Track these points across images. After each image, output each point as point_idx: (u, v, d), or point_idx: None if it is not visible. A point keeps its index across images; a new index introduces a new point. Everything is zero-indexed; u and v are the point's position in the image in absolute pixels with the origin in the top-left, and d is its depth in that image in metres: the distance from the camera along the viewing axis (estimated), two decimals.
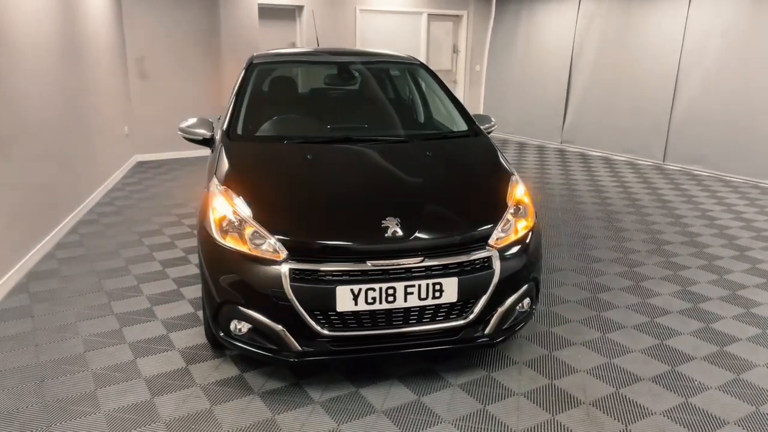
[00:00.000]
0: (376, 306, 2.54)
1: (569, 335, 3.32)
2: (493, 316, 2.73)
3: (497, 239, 2.74)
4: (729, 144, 7.41)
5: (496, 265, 2.67)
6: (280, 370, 2.91)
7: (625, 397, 2.75)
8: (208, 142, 3.51)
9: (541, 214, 5.61)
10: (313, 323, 2.53)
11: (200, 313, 3.48)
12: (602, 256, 4.58)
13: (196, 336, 3.24)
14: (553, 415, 2.61)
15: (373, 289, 2.51)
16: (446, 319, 2.66)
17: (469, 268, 2.64)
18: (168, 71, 7.92)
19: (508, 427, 2.53)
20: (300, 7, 8.98)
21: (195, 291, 3.79)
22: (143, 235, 4.94)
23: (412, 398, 2.72)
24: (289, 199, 2.84)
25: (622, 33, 8.49)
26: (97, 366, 2.95)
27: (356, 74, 4.24)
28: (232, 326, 2.66)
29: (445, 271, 2.61)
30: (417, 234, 2.62)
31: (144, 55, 7.73)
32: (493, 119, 3.95)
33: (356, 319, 2.56)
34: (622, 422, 2.57)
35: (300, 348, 2.57)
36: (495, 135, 6.92)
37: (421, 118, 4.17)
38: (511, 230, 2.83)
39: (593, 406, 2.68)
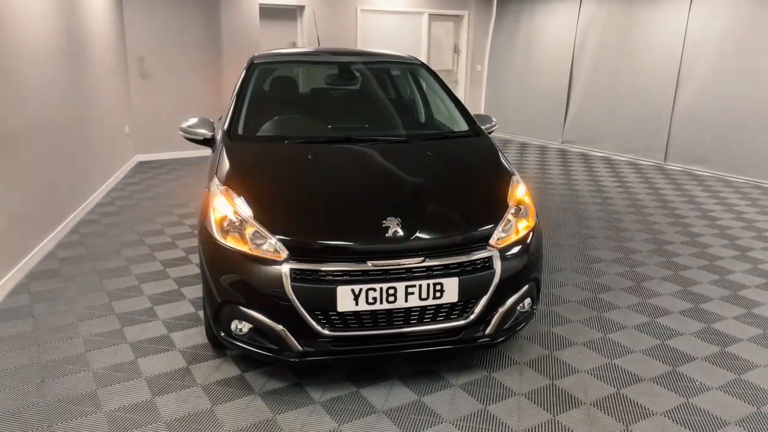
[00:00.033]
0: (377, 306, 2.53)
1: (570, 335, 3.32)
2: (493, 316, 2.73)
3: (498, 239, 2.74)
4: (730, 144, 7.41)
5: (497, 265, 2.67)
6: (280, 370, 2.91)
7: (626, 397, 2.75)
8: (209, 142, 3.51)
9: (542, 214, 5.61)
10: (313, 323, 2.53)
11: (201, 313, 3.48)
12: (603, 256, 4.58)
13: (197, 336, 3.24)
14: (554, 416, 2.61)
15: (374, 289, 2.51)
16: (447, 319, 2.66)
17: (469, 268, 2.64)
18: (169, 71, 7.92)
19: (509, 427, 2.53)
20: (301, 7, 8.98)
21: (196, 291, 3.79)
22: (144, 234, 4.94)
23: (412, 398, 2.72)
24: (290, 199, 2.84)
25: (623, 33, 8.49)
26: (98, 366, 2.95)
27: (357, 74, 4.24)
28: (232, 326, 2.66)
29: (446, 271, 2.60)
30: (418, 234, 2.62)
31: (144, 55, 7.74)
32: (494, 119, 3.95)
33: (357, 319, 2.56)
34: (623, 423, 2.56)
35: (301, 348, 2.57)
36: (496, 135, 6.94)
37: (422, 118, 4.17)
38: (511, 230, 2.82)
39: (594, 406, 2.68)
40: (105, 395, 2.70)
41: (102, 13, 6.48)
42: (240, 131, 3.43)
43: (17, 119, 4.03)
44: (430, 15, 10.23)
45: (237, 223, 2.67)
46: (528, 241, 2.86)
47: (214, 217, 2.74)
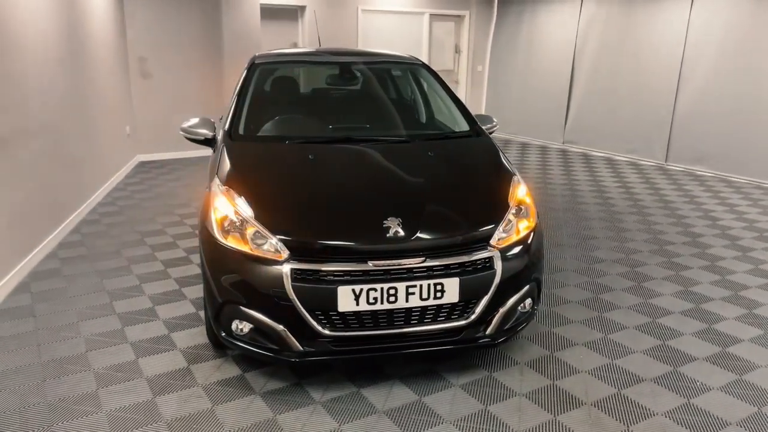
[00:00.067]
0: (378, 306, 2.53)
1: (571, 336, 3.32)
2: (494, 316, 2.73)
3: (499, 239, 2.74)
4: (731, 144, 7.40)
5: (498, 265, 2.67)
6: (281, 370, 2.91)
7: (627, 397, 2.75)
8: (209, 142, 3.51)
9: (542, 215, 5.61)
10: (314, 323, 2.53)
11: (202, 313, 3.48)
12: (604, 256, 4.58)
13: (198, 336, 3.24)
14: (554, 416, 2.61)
15: (375, 290, 2.51)
16: (448, 319, 2.66)
17: (470, 269, 2.64)
18: (169, 71, 7.92)
19: (509, 427, 2.53)
20: (302, 7, 8.98)
21: (197, 291, 3.79)
22: (145, 234, 4.94)
23: (413, 398, 2.72)
24: (291, 199, 2.84)
25: (624, 34, 8.48)
26: (99, 366, 2.95)
27: (358, 74, 4.24)
28: (233, 326, 2.66)
29: (447, 272, 2.60)
30: (418, 234, 2.62)
31: (145, 55, 7.74)
32: (494, 119, 3.95)
33: (358, 319, 2.56)
34: (624, 423, 2.56)
35: (301, 348, 2.57)
36: (497, 135, 6.92)
37: (423, 119, 4.17)
38: (512, 230, 2.82)
39: (595, 406, 2.68)
40: (106, 395, 2.70)
41: (103, 12, 6.48)
42: (241, 131, 3.43)
43: (18, 119, 4.04)
44: (431, 15, 10.23)
45: (238, 223, 2.67)
46: (529, 241, 2.86)
47: (215, 217, 2.74)
